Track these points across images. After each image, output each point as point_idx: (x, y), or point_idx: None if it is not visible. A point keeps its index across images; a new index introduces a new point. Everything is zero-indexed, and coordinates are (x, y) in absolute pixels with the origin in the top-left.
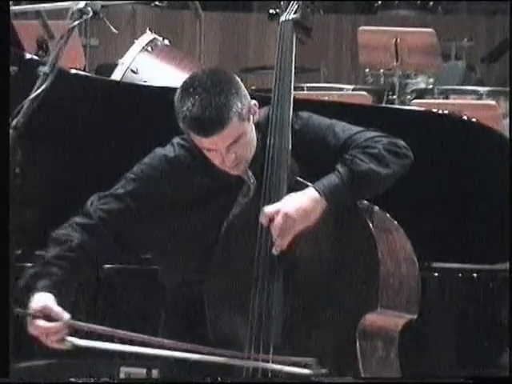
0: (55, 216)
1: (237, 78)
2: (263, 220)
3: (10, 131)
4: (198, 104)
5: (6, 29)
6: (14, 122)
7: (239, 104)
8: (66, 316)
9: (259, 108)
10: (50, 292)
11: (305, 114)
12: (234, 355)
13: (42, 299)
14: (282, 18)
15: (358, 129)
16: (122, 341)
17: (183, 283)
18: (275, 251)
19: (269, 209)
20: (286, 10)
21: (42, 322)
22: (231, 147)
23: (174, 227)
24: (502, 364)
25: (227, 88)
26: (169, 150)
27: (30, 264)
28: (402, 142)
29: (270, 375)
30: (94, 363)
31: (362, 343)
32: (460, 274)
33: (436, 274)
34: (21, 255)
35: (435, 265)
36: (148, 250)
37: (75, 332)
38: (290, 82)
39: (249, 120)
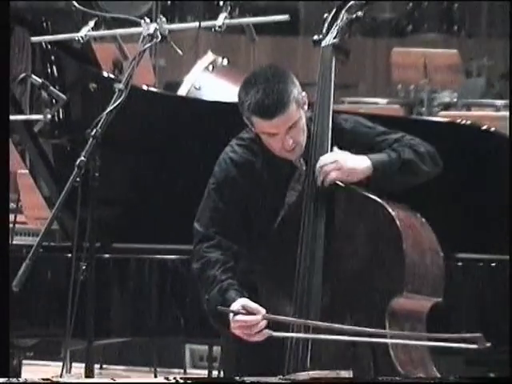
0: (128, 213)
1: (290, 72)
2: (318, 166)
3: (90, 140)
4: (262, 91)
5: (5, 30)
6: (93, 132)
7: (296, 91)
8: (263, 310)
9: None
10: (242, 297)
11: (351, 118)
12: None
13: (241, 300)
14: (323, 44)
15: (401, 133)
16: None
17: (241, 268)
18: (317, 183)
19: (325, 156)
20: (326, 35)
21: (244, 317)
22: (289, 131)
23: (243, 219)
24: None
25: (285, 78)
26: (230, 153)
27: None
28: (437, 154)
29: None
30: (162, 341)
31: (391, 324)
32: (481, 264)
33: (460, 264)
34: (100, 247)
35: (459, 255)
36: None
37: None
38: (330, 98)
39: (303, 108)
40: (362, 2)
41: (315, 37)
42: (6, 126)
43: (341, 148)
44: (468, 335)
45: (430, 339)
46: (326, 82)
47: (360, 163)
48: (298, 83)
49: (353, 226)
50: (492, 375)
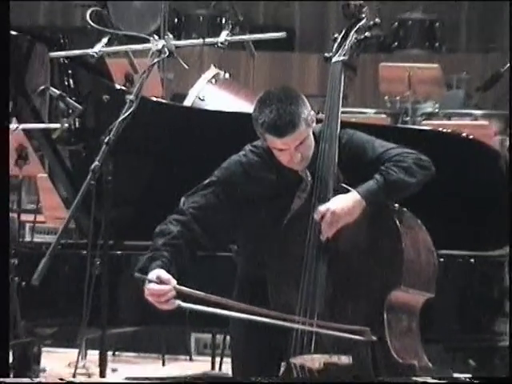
0: (138, 213)
1: (301, 93)
2: (316, 216)
3: (103, 146)
4: (275, 112)
5: (5, 29)
6: (106, 139)
7: (306, 112)
8: (174, 282)
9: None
10: (162, 268)
11: (350, 131)
12: (291, 319)
13: (156, 271)
14: (333, 60)
15: (392, 145)
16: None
17: (252, 264)
18: (322, 238)
19: (321, 208)
20: (336, 53)
21: (155, 286)
22: (298, 147)
23: (246, 219)
24: (493, 330)
25: (296, 100)
26: (242, 156)
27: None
28: (426, 157)
29: (314, 338)
30: (170, 330)
31: (388, 315)
32: (460, 259)
33: (442, 259)
34: (112, 245)
35: (441, 252)
36: (231, 238)
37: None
38: (339, 108)
39: (311, 126)
40: (369, 24)
41: (326, 54)
42: (6, 125)
43: (340, 158)
44: (356, 327)
45: (324, 327)
46: (334, 96)
47: (352, 202)
48: (307, 104)
49: (357, 226)
50: (471, 362)
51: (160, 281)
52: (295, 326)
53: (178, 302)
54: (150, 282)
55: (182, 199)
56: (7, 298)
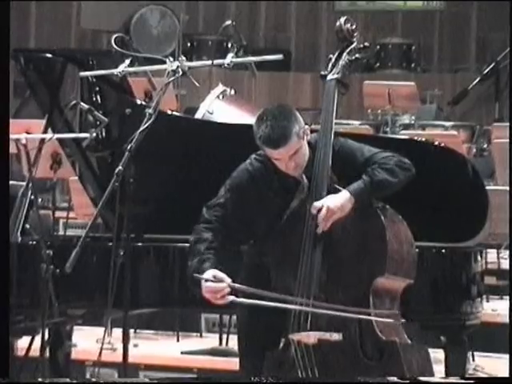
0: (156, 211)
1: (295, 109)
2: (313, 210)
3: (126, 153)
4: (269, 127)
5: (5, 28)
6: (128, 147)
7: (297, 127)
8: (228, 280)
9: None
10: (215, 268)
11: (341, 139)
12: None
13: (211, 271)
14: (328, 78)
15: (377, 150)
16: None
17: (256, 254)
18: (318, 231)
19: (317, 203)
20: (331, 71)
21: (211, 284)
22: (292, 157)
23: (253, 216)
24: (461, 311)
25: (289, 116)
26: (248, 165)
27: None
28: (407, 160)
29: (310, 317)
30: (183, 311)
31: (374, 299)
32: (433, 250)
33: (418, 250)
34: (133, 237)
35: (417, 243)
36: (251, 235)
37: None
38: (332, 120)
39: (303, 139)
40: (360, 46)
41: (322, 72)
42: (7, 126)
43: (333, 163)
44: (387, 311)
45: (359, 313)
46: (329, 109)
47: (343, 199)
48: (300, 119)
49: (347, 221)
50: (442, 338)
51: (216, 279)
52: (303, 308)
53: (232, 298)
54: (207, 280)
55: (204, 209)
56: (7, 298)
